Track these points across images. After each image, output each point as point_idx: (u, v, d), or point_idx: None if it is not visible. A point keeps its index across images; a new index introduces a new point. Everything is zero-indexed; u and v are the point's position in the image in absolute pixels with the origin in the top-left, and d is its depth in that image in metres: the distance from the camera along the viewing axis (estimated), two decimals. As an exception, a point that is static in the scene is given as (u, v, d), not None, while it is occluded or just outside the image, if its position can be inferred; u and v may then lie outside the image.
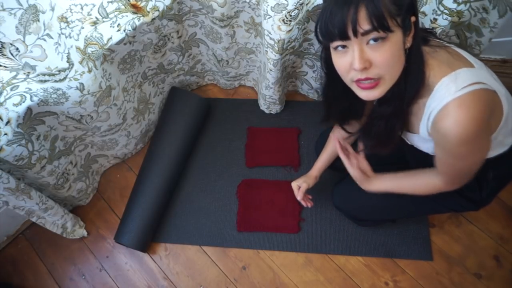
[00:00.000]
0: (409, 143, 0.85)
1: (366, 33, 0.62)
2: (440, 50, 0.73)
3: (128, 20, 0.97)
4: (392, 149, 0.82)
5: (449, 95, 0.66)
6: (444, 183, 0.84)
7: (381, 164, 0.99)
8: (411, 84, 0.71)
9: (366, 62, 0.64)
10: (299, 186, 1.13)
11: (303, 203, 1.14)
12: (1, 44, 0.85)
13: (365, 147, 0.89)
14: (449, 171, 0.80)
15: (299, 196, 1.15)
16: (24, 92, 0.90)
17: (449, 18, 0.91)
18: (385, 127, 0.78)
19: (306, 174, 1.19)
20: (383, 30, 0.61)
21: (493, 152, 0.81)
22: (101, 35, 0.94)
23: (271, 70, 1.14)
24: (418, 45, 0.69)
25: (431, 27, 0.99)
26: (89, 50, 0.93)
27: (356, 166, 0.95)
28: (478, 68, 0.70)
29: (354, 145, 1.03)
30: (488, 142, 0.73)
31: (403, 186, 0.91)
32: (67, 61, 0.92)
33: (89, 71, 0.95)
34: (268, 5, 0.92)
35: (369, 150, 0.84)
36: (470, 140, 0.67)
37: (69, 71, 0.92)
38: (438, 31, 0.95)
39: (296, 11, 0.92)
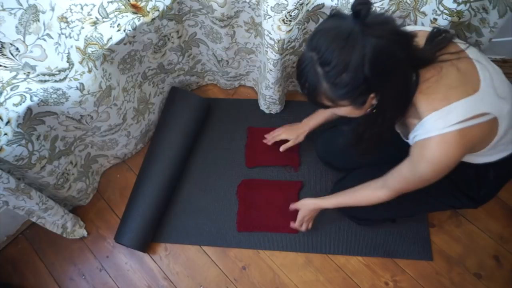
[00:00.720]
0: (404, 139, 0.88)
1: None
2: (448, 68, 0.73)
3: (128, 20, 0.97)
4: (375, 153, 0.87)
5: (435, 131, 0.71)
6: (387, 196, 0.92)
7: (376, 163, 1.00)
8: (389, 115, 0.77)
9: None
10: (280, 134, 1.27)
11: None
12: (1, 44, 0.85)
13: (356, 149, 0.93)
14: (400, 186, 0.87)
15: (270, 141, 1.30)
16: (24, 92, 0.90)
17: (449, 18, 0.91)
18: (373, 135, 0.83)
19: (296, 124, 1.25)
20: (321, 107, 0.76)
21: (497, 156, 0.83)
22: (101, 35, 0.94)
23: (271, 70, 1.14)
24: (389, 97, 0.72)
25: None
26: (89, 50, 0.93)
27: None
28: (481, 91, 0.71)
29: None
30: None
31: (348, 201, 1.02)
32: (67, 61, 0.92)
33: (89, 71, 0.95)
34: (268, 5, 0.92)
35: (359, 152, 0.90)
36: (439, 171, 0.75)
37: (69, 71, 0.92)
38: (438, 31, 0.95)
39: (296, 11, 0.92)
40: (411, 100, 0.75)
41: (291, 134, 1.25)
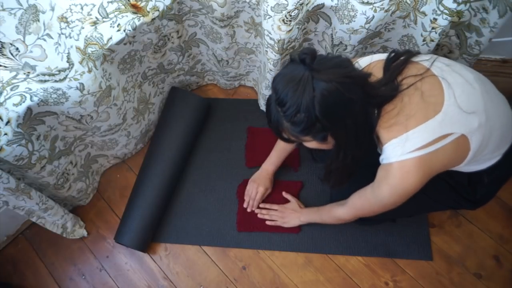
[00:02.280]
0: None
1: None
2: (411, 95, 0.74)
3: (128, 20, 0.97)
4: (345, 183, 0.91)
5: (394, 157, 0.74)
6: (346, 214, 0.97)
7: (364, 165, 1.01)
8: (349, 151, 0.79)
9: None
10: (257, 192, 1.27)
11: (258, 212, 1.28)
12: (1, 44, 0.85)
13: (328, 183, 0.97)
14: (360, 204, 0.91)
15: (255, 205, 1.28)
16: (24, 92, 0.90)
17: (449, 18, 0.91)
18: (338, 170, 0.86)
19: (260, 174, 1.28)
20: (289, 142, 0.83)
21: (485, 165, 0.84)
22: (101, 35, 0.94)
23: (271, 70, 1.14)
24: (343, 136, 0.75)
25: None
26: (89, 50, 0.93)
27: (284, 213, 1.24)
28: (443, 113, 0.72)
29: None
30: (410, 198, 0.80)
31: (318, 216, 1.13)
32: (67, 61, 0.92)
33: (89, 71, 0.95)
34: (268, 5, 0.92)
35: (330, 186, 0.94)
36: (398, 196, 0.78)
37: (69, 71, 0.92)
38: (438, 31, 0.95)
39: (296, 11, 0.92)
40: (371, 137, 0.78)
41: (265, 184, 1.27)
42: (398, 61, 0.79)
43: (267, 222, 1.25)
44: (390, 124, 0.75)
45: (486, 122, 0.75)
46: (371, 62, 0.83)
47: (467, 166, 0.81)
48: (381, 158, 0.79)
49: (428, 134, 0.72)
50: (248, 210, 1.28)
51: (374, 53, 1.16)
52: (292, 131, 0.74)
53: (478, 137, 0.74)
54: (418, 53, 0.81)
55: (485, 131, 0.75)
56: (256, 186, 1.26)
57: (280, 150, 1.23)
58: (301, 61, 0.68)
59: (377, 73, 0.78)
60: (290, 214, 1.23)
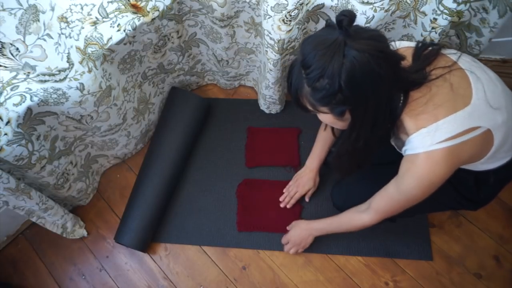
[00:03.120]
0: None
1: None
2: (439, 86, 0.73)
3: (128, 20, 0.97)
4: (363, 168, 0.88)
5: (422, 147, 0.71)
6: (371, 218, 0.92)
7: (378, 163, 1.00)
8: (363, 133, 0.76)
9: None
10: (296, 191, 1.24)
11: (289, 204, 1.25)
12: (1, 44, 0.85)
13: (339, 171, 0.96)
14: (384, 205, 0.86)
15: (290, 204, 1.25)
16: (24, 92, 0.90)
17: (449, 18, 0.91)
18: (347, 153, 0.83)
19: (304, 172, 1.22)
20: (305, 111, 0.77)
21: (497, 163, 0.83)
22: (101, 35, 0.94)
23: (271, 70, 1.14)
24: (363, 115, 0.72)
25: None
26: (89, 50, 0.93)
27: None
28: (472, 105, 0.71)
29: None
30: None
31: (335, 227, 1.05)
32: (67, 61, 0.92)
33: (89, 71, 0.95)
34: (268, 5, 0.92)
35: (339, 175, 0.93)
36: (424, 188, 0.75)
37: (69, 71, 0.92)
38: (438, 31, 0.95)
39: (296, 11, 0.92)
40: (394, 123, 0.76)
41: (307, 184, 1.23)
42: (428, 51, 0.77)
43: (291, 252, 1.18)
44: (418, 112, 0.72)
45: (507, 120, 0.75)
46: (399, 48, 0.81)
47: (483, 164, 0.81)
48: (404, 149, 0.77)
49: (457, 125, 0.70)
50: (282, 205, 1.26)
51: None
52: (311, 97, 0.70)
53: (501, 134, 0.74)
54: (443, 45, 0.80)
55: (507, 129, 0.75)
56: (298, 186, 1.24)
57: (322, 141, 1.18)
58: (338, 23, 0.64)
59: (407, 60, 0.76)
60: (300, 236, 1.15)
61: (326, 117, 0.75)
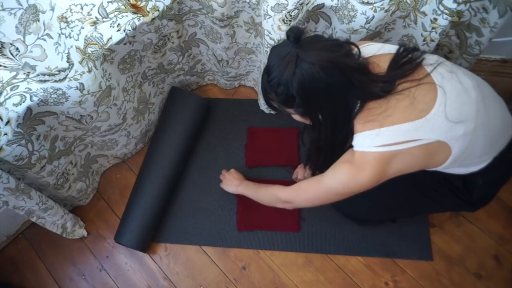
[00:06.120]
0: None
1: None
2: (401, 98, 0.74)
3: (128, 20, 0.97)
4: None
5: (361, 147, 0.76)
6: (286, 196, 0.96)
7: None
8: (323, 134, 0.82)
9: None
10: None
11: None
12: (1, 44, 0.85)
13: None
14: (304, 190, 0.91)
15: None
16: (24, 92, 0.90)
17: (449, 18, 0.91)
18: (316, 149, 0.89)
19: None
20: (276, 111, 0.89)
21: (474, 168, 0.84)
22: (101, 35, 0.94)
23: (271, 70, 1.14)
24: (317, 118, 0.79)
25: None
26: (89, 50, 0.93)
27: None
28: (426, 119, 0.72)
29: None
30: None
31: (260, 197, 1.09)
32: (67, 61, 0.92)
33: (89, 71, 0.95)
34: (268, 5, 0.92)
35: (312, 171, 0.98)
36: (348, 188, 0.79)
37: (69, 71, 0.92)
38: (438, 31, 0.95)
39: (296, 11, 0.92)
40: (347, 126, 0.79)
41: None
42: (408, 60, 0.77)
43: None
44: (367, 120, 0.75)
45: (473, 130, 0.75)
46: (379, 51, 0.81)
47: (452, 168, 0.82)
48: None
49: (399, 134, 0.73)
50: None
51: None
52: (275, 100, 0.80)
53: (462, 144, 0.75)
54: (424, 52, 0.80)
55: (471, 139, 0.75)
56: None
57: None
58: (287, 38, 0.73)
59: (383, 65, 0.77)
60: (231, 180, 1.24)
61: (295, 116, 0.84)
